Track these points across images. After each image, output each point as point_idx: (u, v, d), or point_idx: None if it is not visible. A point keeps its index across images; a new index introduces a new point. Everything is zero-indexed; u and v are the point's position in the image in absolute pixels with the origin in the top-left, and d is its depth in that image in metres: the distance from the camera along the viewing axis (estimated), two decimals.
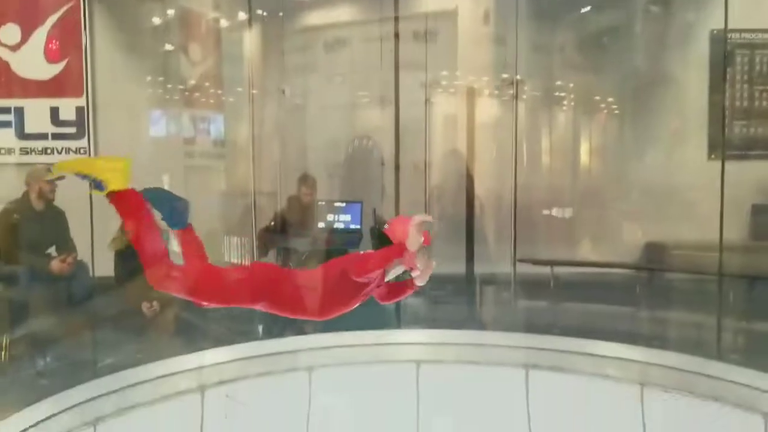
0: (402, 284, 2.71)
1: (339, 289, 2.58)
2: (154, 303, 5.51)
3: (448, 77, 7.59)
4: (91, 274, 5.47)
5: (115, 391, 4.67)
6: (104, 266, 5.59)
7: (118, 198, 2.58)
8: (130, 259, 5.53)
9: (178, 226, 2.80)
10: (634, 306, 6.66)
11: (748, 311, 6.26)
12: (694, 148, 7.68)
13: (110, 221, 5.82)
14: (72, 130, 7.10)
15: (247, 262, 6.81)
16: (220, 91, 7.41)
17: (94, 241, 5.48)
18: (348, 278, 2.55)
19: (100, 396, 4.57)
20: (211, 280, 2.67)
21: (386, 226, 2.62)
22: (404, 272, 2.65)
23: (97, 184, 2.54)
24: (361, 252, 2.69)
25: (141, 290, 5.52)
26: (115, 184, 2.56)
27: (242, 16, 7.11)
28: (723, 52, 7.06)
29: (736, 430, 4.05)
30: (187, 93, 7.26)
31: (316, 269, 2.69)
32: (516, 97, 7.19)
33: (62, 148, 7.11)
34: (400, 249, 2.52)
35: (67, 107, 7.08)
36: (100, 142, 7.02)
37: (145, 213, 2.65)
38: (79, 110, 6.99)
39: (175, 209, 2.75)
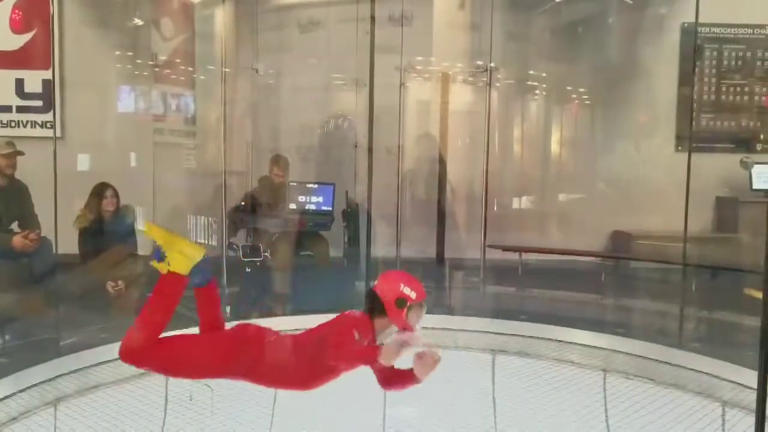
0: (405, 376, 2.51)
1: (319, 361, 2.47)
2: (119, 282, 5.43)
3: (423, 62, 7.56)
4: (54, 251, 5.36)
5: (77, 371, 4.60)
6: (68, 244, 5.48)
7: (171, 278, 2.54)
8: (95, 237, 5.48)
9: (201, 283, 2.72)
10: (600, 294, 6.76)
11: (711, 301, 6.40)
12: (662, 140, 7.80)
13: (74, 198, 5.71)
14: (38, 103, 6.94)
15: (211, 242, 6.74)
16: (191, 69, 7.28)
17: (58, 217, 5.36)
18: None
19: (61, 375, 4.50)
20: (189, 359, 2.56)
21: (374, 284, 2.52)
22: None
23: (159, 256, 2.54)
24: (342, 329, 2.47)
25: (105, 269, 5.44)
26: (177, 267, 2.52)
27: None
28: (693, 46, 7.15)
29: (695, 416, 4.14)
30: (157, 69, 7.12)
31: (293, 339, 2.58)
32: (489, 84, 7.20)
33: (27, 122, 6.95)
34: (374, 356, 2.36)
35: (33, 79, 6.91)
36: (66, 116, 6.87)
37: (177, 299, 2.60)
38: (46, 83, 6.83)
39: (197, 267, 2.63)
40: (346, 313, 2.56)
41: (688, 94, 7.51)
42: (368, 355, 2.40)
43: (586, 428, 3.96)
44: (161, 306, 2.54)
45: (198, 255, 2.58)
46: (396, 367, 2.53)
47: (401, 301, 2.40)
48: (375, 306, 2.46)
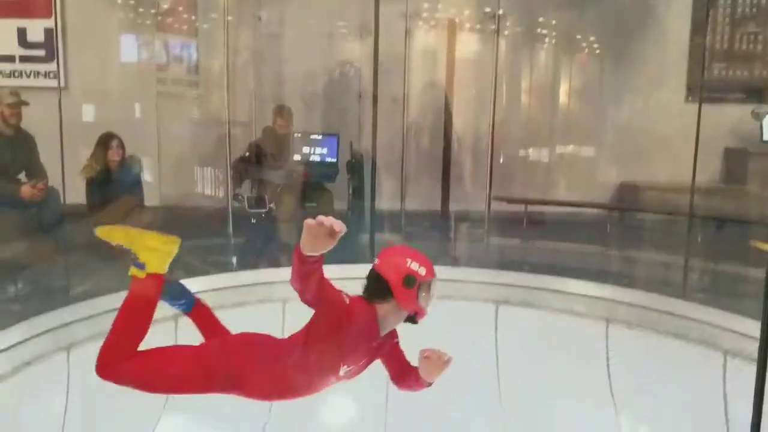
0: (415, 376, 2.29)
1: (314, 360, 2.11)
2: None
3: (429, 9, 7.42)
4: (62, 201, 5.39)
5: (88, 318, 4.68)
6: (75, 194, 5.52)
7: (146, 282, 2.25)
8: (102, 186, 5.50)
9: (187, 308, 2.50)
10: (605, 245, 6.78)
11: (716, 252, 6.41)
12: (672, 90, 7.69)
13: (80, 148, 5.72)
14: (40, 52, 6.87)
15: (217, 193, 6.74)
16: (194, 17, 7.17)
17: (65, 168, 5.38)
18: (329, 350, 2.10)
19: (73, 322, 4.58)
20: (171, 372, 2.22)
21: (375, 263, 2.14)
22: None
23: (136, 263, 2.24)
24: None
25: (113, 218, 5.47)
26: (155, 267, 2.24)
27: None
28: None
29: (696, 366, 4.19)
30: (159, 18, 7.02)
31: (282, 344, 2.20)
32: (497, 32, 7.06)
33: (30, 72, 6.89)
34: (367, 320, 2.07)
35: (35, 28, 6.83)
36: (69, 66, 6.81)
37: (155, 304, 2.32)
38: (48, 32, 6.74)
39: (175, 293, 2.42)
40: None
41: (700, 42, 7.36)
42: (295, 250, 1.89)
43: (588, 377, 4.01)
44: (138, 315, 2.24)
45: (174, 246, 2.28)
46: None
47: (410, 280, 2.02)
48: (378, 289, 2.07)
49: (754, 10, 7.76)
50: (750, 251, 5.78)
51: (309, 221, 1.77)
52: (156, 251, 2.22)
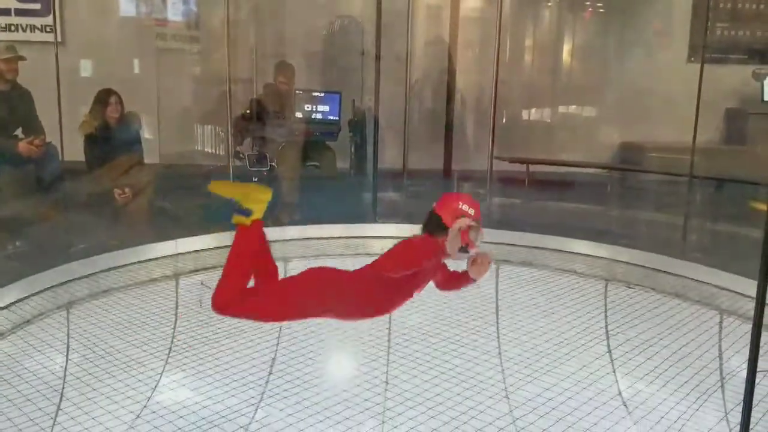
0: (461, 278, 2.57)
1: (392, 285, 2.47)
2: (127, 190, 5.46)
3: None
4: (60, 157, 5.36)
5: (88, 276, 4.71)
6: (74, 151, 5.49)
7: (250, 227, 2.58)
8: (100, 143, 5.47)
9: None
10: (605, 205, 6.79)
11: (715, 212, 6.43)
12: (675, 51, 7.61)
13: (78, 105, 5.67)
14: (36, 6, 6.77)
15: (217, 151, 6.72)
16: None
17: (63, 124, 5.34)
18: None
19: (72, 280, 4.61)
20: (276, 303, 2.58)
21: (434, 205, 2.48)
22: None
23: (242, 211, 2.54)
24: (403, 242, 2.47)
25: (113, 176, 5.45)
26: (257, 215, 2.57)
27: None
28: None
29: (693, 324, 4.23)
30: None
31: (365, 271, 2.54)
32: None
33: (27, 26, 6.79)
34: (435, 250, 2.41)
35: None
36: (66, 20, 6.71)
37: (256, 243, 2.62)
38: None
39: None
40: (409, 237, 2.52)
41: (704, 2, 7.25)
42: (429, 249, 2.41)
43: (586, 333, 4.06)
44: (245, 256, 2.57)
45: (269, 196, 2.62)
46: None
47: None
48: (438, 226, 2.42)
49: None
50: (747, 211, 5.81)
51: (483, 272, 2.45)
52: (259, 201, 2.56)
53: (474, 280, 2.53)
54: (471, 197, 2.50)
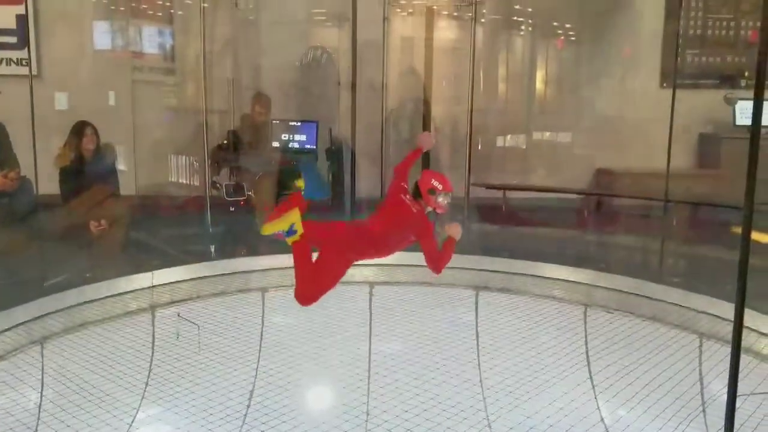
0: (446, 246, 3.29)
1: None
2: (102, 221, 5.40)
3: None
4: (35, 191, 5.29)
5: (63, 310, 4.62)
6: (49, 184, 5.43)
7: (300, 240, 3.16)
8: (76, 176, 5.42)
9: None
10: (583, 230, 6.84)
11: (690, 236, 6.50)
12: (647, 77, 7.74)
13: (53, 138, 5.62)
14: (12, 39, 6.73)
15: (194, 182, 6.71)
16: (168, 3, 7.06)
17: (38, 157, 5.28)
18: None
19: (47, 314, 4.52)
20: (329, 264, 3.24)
21: (418, 179, 3.34)
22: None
23: (290, 233, 3.14)
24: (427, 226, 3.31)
25: (88, 208, 5.39)
26: (301, 230, 3.15)
27: None
28: None
29: (673, 348, 4.25)
30: (134, 4, 6.90)
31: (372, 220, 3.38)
32: (474, 19, 7.05)
33: (2, 59, 6.75)
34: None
35: (6, 14, 6.67)
36: (42, 53, 6.68)
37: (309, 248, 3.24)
38: (20, 18, 6.59)
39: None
40: (400, 199, 3.34)
41: (674, 29, 7.42)
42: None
43: (567, 360, 4.05)
44: (307, 262, 3.19)
45: (298, 215, 3.17)
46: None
47: (431, 191, 3.27)
48: (417, 193, 3.31)
49: None
50: (724, 234, 5.87)
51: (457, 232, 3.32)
52: (297, 221, 3.15)
53: (455, 240, 3.29)
54: (442, 176, 3.35)
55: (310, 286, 3.19)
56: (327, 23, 7.40)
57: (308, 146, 6.40)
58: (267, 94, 6.73)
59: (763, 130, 6.78)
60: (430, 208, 3.34)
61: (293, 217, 3.17)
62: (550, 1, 7.93)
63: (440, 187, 3.32)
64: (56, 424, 3.16)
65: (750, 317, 4.21)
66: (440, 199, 3.31)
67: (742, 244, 2.01)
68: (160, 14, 7.06)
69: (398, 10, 7.34)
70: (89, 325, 4.45)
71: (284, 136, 6.41)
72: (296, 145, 6.38)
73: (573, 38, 8.31)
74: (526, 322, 4.73)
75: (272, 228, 3.18)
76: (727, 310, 4.09)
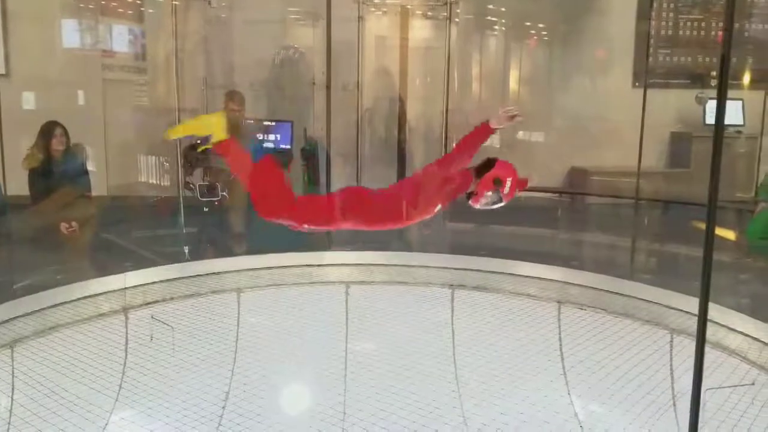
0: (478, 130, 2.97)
1: (422, 194, 2.91)
2: (73, 223, 5.32)
3: None
4: (3, 192, 5.20)
5: (34, 313, 4.54)
6: (17, 185, 5.34)
7: (225, 148, 2.89)
8: (45, 177, 5.33)
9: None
10: (557, 228, 6.90)
11: (661, 234, 6.60)
12: (620, 77, 7.84)
13: (22, 138, 5.52)
14: None
15: (167, 182, 6.65)
16: (139, 1, 6.98)
17: (6, 158, 5.19)
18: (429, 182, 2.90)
19: (17, 317, 4.44)
20: (313, 206, 2.97)
21: (498, 159, 2.96)
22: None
23: (204, 140, 2.90)
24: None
25: (58, 210, 5.31)
26: (217, 135, 2.85)
27: None
28: None
29: (645, 343, 4.31)
30: (104, 2, 6.81)
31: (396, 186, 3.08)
32: (449, 19, 7.08)
33: None
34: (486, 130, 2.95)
35: None
36: (11, 52, 6.57)
37: (244, 154, 2.99)
38: None
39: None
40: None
41: (645, 29, 7.53)
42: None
43: (541, 356, 4.09)
44: (247, 168, 2.90)
45: (219, 116, 2.90)
46: None
47: (498, 182, 2.86)
48: (483, 171, 2.90)
49: None
50: (694, 232, 5.97)
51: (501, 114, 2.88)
52: (212, 124, 2.84)
53: (493, 130, 2.92)
54: (523, 183, 2.96)
55: (270, 200, 2.88)
56: (301, 22, 7.36)
57: (283, 146, 6.37)
58: (241, 92, 6.69)
59: (730, 129, 6.91)
60: (473, 189, 2.91)
61: (210, 121, 2.88)
62: (523, 2, 7.99)
63: (507, 186, 2.89)
64: (28, 429, 3.11)
65: (719, 312, 4.28)
66: (490, 194, 2.90)
67: (706, 241, 2.04)
68: (130, 12, 6.98)
69: (372, 9, 7.33)
70: (61, 328, 4.38)
71: (259, 136, 6.37)
72: (271, 145, 6.35)
73: (546, 38, 8.39)
74: (501, 319, 4.76)
75: (176, 132, 3.05)
76: (697, 306, 4.16)
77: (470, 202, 2.94)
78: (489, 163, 2.94)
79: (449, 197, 2.94)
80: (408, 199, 2.93)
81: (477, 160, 3.05)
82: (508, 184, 2.88)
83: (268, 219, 2.85)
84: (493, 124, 2.94)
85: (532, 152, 8.15)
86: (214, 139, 2.83)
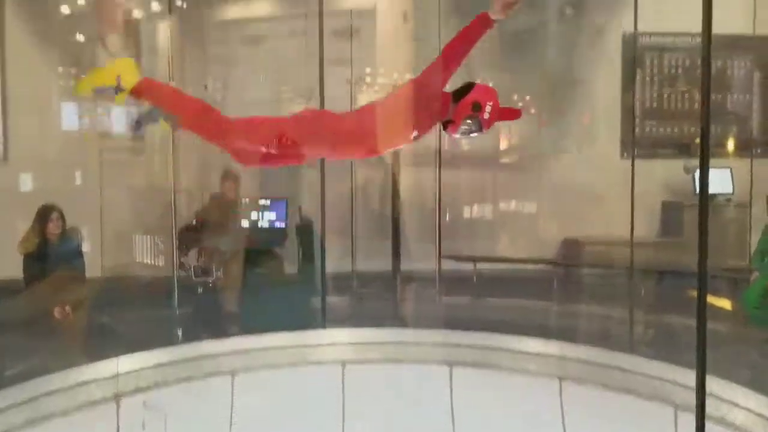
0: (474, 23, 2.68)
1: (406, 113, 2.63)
2: (67, 307, 5.27)
3: (372, 74, 7.58)
4: None
5: (26, 402, 4.44)
6: (11, 268, 5.31)
7: (142, 90, 2.65)
8: (40, 260, 5.31)
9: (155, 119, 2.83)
10: (552, 301, 6.86)
11: (658, 304, 6.56)
12: (608, 148, 7.98)
13: (17, 221, 5.53)
14: None
15: (161, 262, 6.64)
16: None
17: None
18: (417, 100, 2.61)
19: (8, 407, 4.33)
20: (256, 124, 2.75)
21: (479, 82, 2.71)
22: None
23: (117, 90, 2.64)
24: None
25: (52, 294, 5.28)
26: (128, 83, 2.62)
27: (160, 6, 6.88)
28: (633, 55, 7.34)
29: (649, 420, 4.23)
30: None
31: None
32: None
33: None
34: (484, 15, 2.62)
35: None
36: (10, 135, 6.67)
37: (166, 89, 2.83)
38: None
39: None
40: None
41: (630, 101, 7.72)
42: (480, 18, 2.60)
43: None
44: (171, 104, 2.71)
45: (125, 59, 2.69)
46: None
47: (477, 106, 2.60)
48: (461, 95, 2.64)
49: (680, 69, 8.19)
50: (690, 301, 5.93)
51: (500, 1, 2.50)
52: (117, 70, 2.60)
53: (492, 22, 2.61)
54: (508, 111, 2.72)
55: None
56: (295, 100, 7.51)
57: (278, 225, 6.40)
58: (236, 172, 6.76)
59: (719, 197, 6.97)
60: (450, 117, 2.64)
61: (120, 68, 2.62)
62: (509, 77, 8.19)
63: (486, 116, 2.62)
64: None
65: (721, 387, 4.22)
66: (469, 122, 2.62)
67: (698, 311, 2.03)
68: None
69: (364, 88, 7.51)
70: (53, 417, 4.28)
71: (254, 215, 6.41)
72: (266, 224, 6.38)
73: (533, 111, 8.56)
74: (502, 398, 4.68)
75: (88, 82, 2.69)
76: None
77: (447, 131, 2.72)
78: (467, 87, 2.69)
79: (427, 123, 2.70)
80: (381, 119, 2.64)
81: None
82: (488, 108, 2.63)
83: (224, 146, 2.74)
84: (492, 15, 2.63)
85: (526, 224, 8.21)
86: (125, 84, 2.61)
